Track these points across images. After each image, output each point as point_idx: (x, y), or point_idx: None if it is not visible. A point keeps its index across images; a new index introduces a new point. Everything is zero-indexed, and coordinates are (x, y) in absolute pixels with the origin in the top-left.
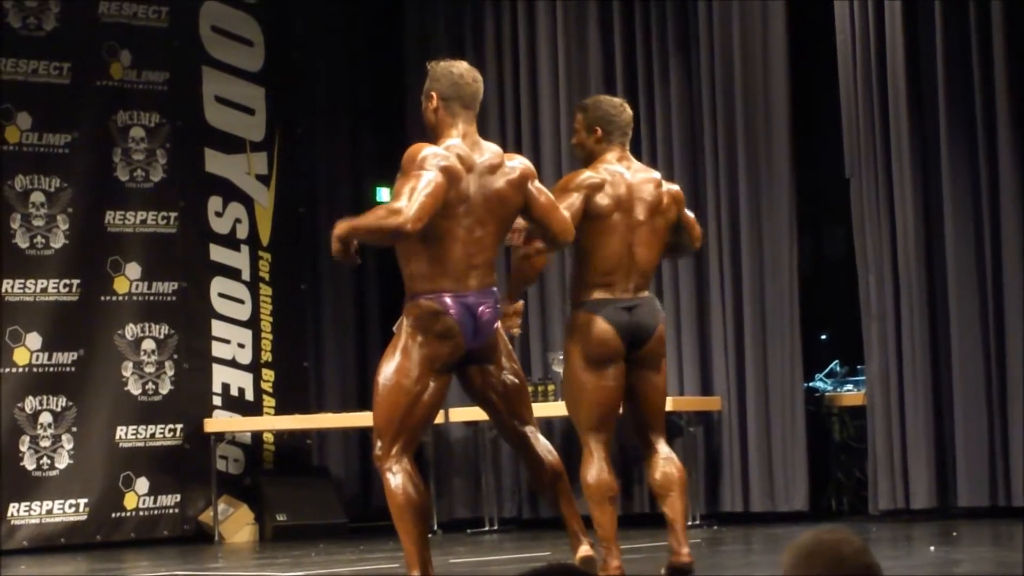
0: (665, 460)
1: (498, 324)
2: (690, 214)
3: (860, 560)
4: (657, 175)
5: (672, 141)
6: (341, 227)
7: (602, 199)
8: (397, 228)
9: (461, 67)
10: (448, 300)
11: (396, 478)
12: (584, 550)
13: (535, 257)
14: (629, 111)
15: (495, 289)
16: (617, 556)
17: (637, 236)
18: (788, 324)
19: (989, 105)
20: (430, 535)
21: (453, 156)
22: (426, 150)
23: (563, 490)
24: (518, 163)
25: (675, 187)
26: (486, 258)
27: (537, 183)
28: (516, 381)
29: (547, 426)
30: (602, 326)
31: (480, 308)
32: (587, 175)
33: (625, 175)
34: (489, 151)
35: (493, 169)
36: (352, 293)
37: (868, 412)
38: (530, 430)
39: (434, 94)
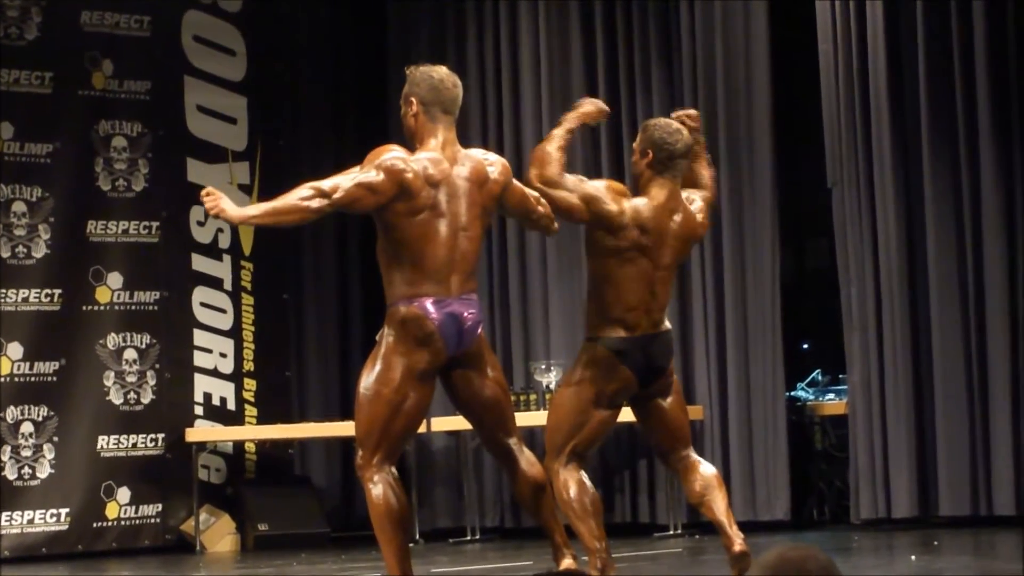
0: (697, 467)
1: (480, 331)
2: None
3: None
4: (693, 218)
5: None
6: (240, 214)
7: (619, 240)
8: (317, 211)
9: (441, 72)
10: (429, 305)
11: (377, 488)
12: (567, 562)
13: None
14: (687, 138)
15: (475, 296)
16: (613, 569)
17: (659, 276)
18: (770, 333)
19: (971, 115)
20: (412, 544)
21: (419, 166)
22: (391, 153)
23: (546, 502)
24: (497, 167)
25: (702, 214)
26: (467, 265)
27: (514, 180)
28: (500, 392)
29: (529, 436)
30: (624, 372)
31: (463, 313)
32: (614, 205)
33: (661, 217)
34: (469, 160)
35: (475, 179)
36: (334, 302)
37: (850, 421)
38: (514, 442)
39: (413, 99)
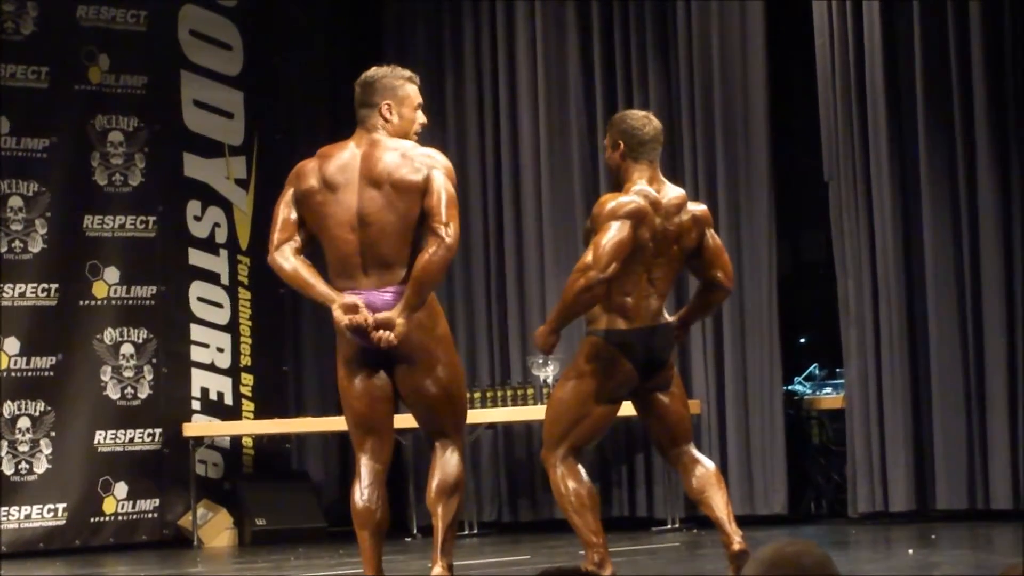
0: (696, 464)
1: (402, 325)
2: (717, 240)
3: (821, 572)
4: (682, 196)
5: None
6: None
7: (643, 232)
8: (284, 259)
9: (370, 70)
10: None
11: (353, 485)
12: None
13: (597, 289)
14: (655, 124)
15: (392, 289)
16: (610, 563)
17: (656, 263)
18: (767, 327)
19: (967, 109)
20: (409, 539)
21: (314, 159)
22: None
23: (447, 510)
24: (417, 160)
25: (700, 208)
26: (381, 258)
27: (440, 177)
28: (436, 392)
29: (528, 430)
30: (625, 366)
31: (372, 308)
32: (632, 202)
33: (660, 201)
34: (377, 152)
35: (374, 168)
36: None
37: (847, 415)
38: (440, 443)
39: None
